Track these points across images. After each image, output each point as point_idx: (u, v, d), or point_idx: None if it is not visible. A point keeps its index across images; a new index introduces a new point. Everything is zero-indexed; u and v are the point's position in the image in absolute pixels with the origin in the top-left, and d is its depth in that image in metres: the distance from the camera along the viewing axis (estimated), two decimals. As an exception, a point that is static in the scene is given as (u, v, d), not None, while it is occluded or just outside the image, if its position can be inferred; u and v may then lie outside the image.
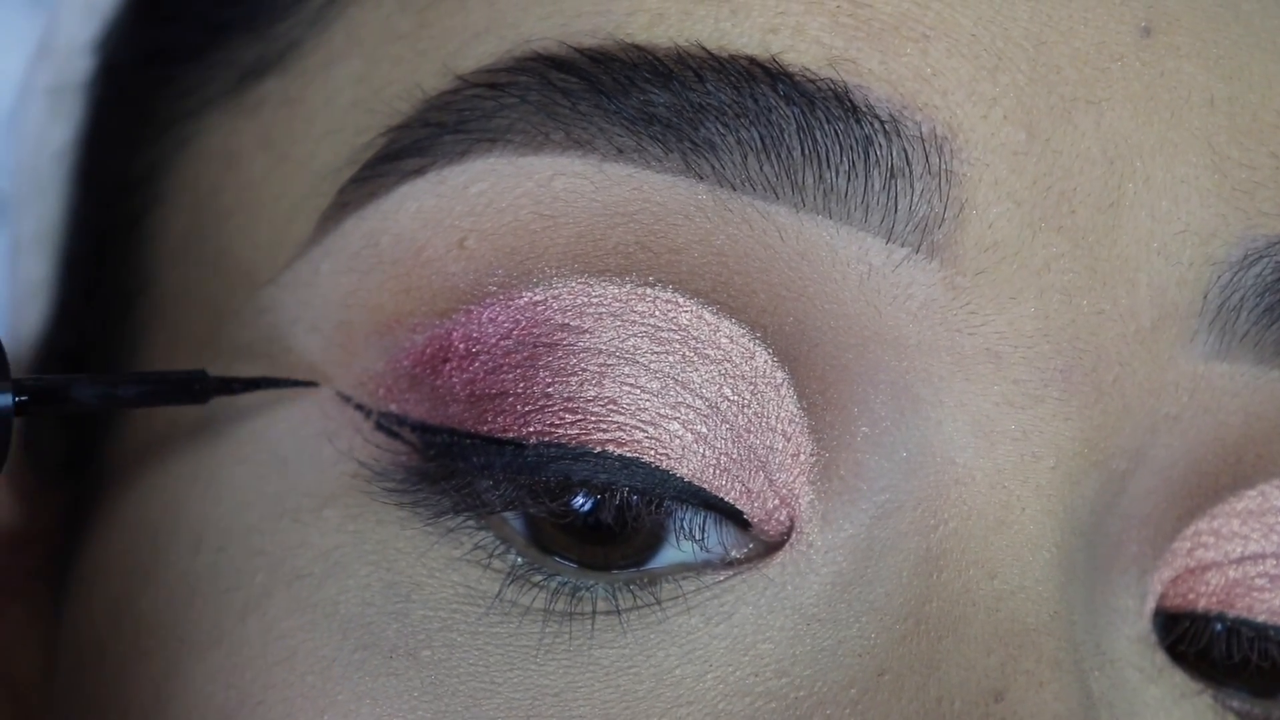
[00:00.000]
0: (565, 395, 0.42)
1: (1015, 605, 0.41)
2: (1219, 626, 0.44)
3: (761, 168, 0.41)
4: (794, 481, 0.42)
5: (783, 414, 0.42)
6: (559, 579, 0.42)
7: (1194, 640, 0.44)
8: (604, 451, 0.42)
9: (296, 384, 0.44)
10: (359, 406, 0.43)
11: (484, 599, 0.42)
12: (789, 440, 0.42)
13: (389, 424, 0.43)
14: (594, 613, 0.42)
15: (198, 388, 0.43)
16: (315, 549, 0.43)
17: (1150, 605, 0.44)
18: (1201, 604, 0.44)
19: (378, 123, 0.44)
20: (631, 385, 0.42)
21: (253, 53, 0.47)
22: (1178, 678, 0.44)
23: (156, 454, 0.47)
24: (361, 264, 0.43)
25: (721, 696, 0.41)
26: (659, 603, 0.42)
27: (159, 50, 0.50)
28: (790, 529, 0.42)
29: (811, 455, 0.42)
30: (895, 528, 0.42)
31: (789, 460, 0.42)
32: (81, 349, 0.52)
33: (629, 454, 0.42)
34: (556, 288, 0.42)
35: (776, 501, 0.42)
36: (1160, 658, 0.44)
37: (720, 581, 0.42)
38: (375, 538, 0.43)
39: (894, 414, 0.42)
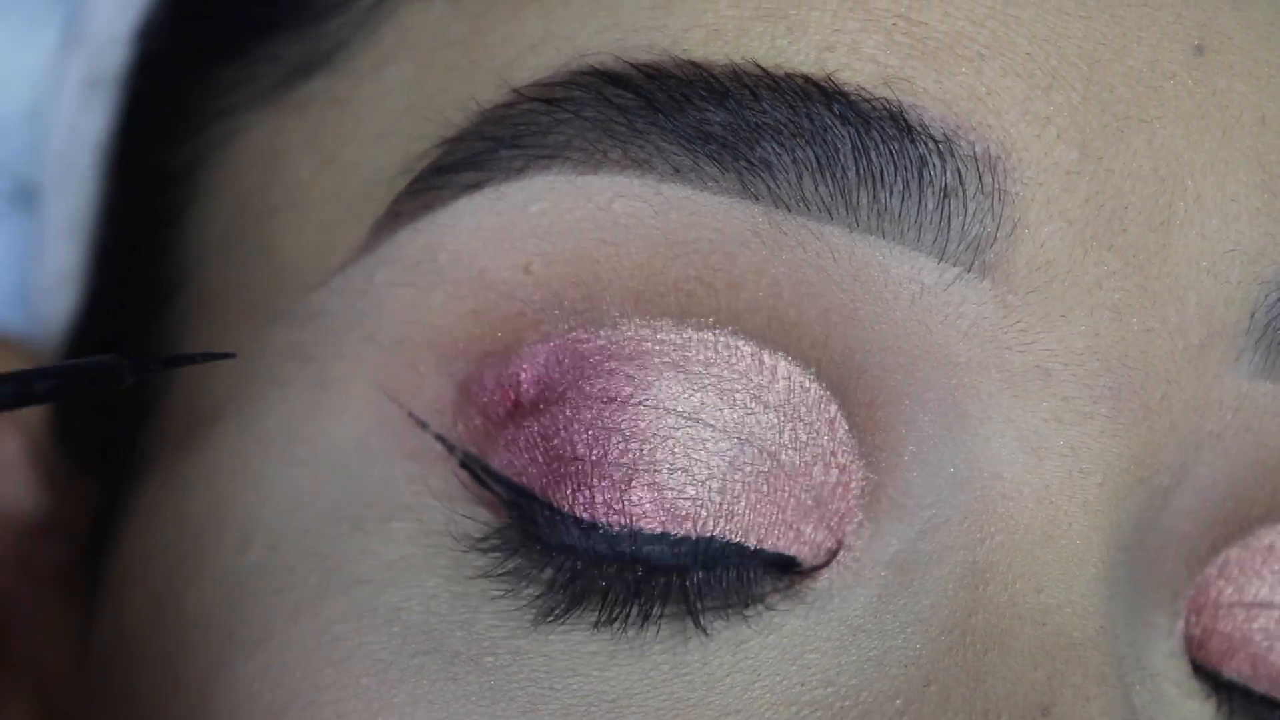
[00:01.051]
0: (639, 467, 0.42)
1: (1062, 619, 0.41)
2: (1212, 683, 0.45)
3: (816, 188, 0.42)
4: (845, 509, 0.43)
5: (837, 449, 0.43)
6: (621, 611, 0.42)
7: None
8: (682, 536, 0.42)
9: (213, 357, 0.44)
10: (440, 439, 0.44)
11: (544, 611, 0.42)
12: (842, 472, 0.43)
13: (474, 467, 0.43)
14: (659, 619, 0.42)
15: (113, 374, 0.43)
16: (379, 558, 0.43)
17: (1180, 624, 0.45)
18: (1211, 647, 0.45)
19: (431, 132, 0.44)
20: (701, 448, 0.43)
21: (299, 51, 0.47)
22: (1204, 690, 0.45)
23: (198, 447, 0.47)
24: (420, 278, 0.44)
25: (768, 705, 0.41)
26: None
27: (201, 46, 0.50)
28: (836, 549, 0.43)
29: (862, 480, 0.43)
30: (941, 541, 0.42)
31: (841, 490, 0.43)
32: (114, 340, 0.52)
33: (701, 534, 0.42)
34: (621, 331, 0.43)
35: (825, 533, 0.43)
36: (1192, 676, 0.44)
37: (768, 593, 0.42)
38: (452, 553, 0.43)
39: (941, 431, 0.42)
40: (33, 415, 0.56)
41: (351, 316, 0.44)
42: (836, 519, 0.43)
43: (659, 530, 0.42)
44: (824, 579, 0.42)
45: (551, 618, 0.42)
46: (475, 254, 0.43)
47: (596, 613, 0.42)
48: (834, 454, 0.43)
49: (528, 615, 0.42)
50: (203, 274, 0.49)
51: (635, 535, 0.42)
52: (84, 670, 0.51)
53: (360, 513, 0.43)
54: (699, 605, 0.42)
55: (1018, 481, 0.42)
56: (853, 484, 0.43)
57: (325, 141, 0.46)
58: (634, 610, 0.42)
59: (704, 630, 0.42)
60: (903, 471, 0.43)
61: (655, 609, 0.42)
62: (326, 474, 0.44)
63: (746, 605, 0.42)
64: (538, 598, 0.42)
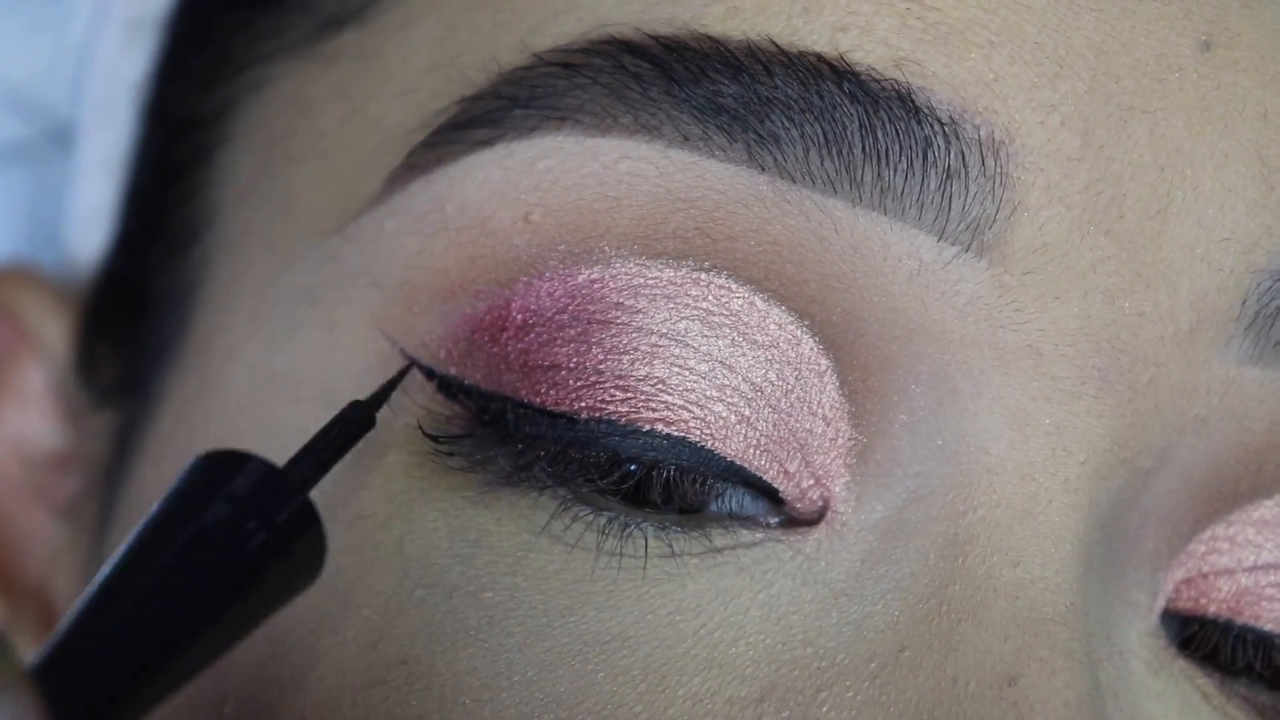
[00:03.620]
0: (617, 373, 0.43)
1: (1034, 594, 0.42)
2: (1227, 632, 0.45)
3: (822, 162, 0.42)
4: (830, 464, 0.43)
5: (824, 399, 0.43)
6: (608, 514, 0.43)
7: (1202, 644, 0.46)
8: (652, 429, 0.43)
9: (394, 384, 0.44)
10: (423, 368, 0.44)
11: (536, 529, 0.43)
12: (829, 425, 0.43)
13: (451, 386, 0.44)
14: (646, 553, 0.43)
15: (363, 417, 0.43)
16: (379, 491, 0.44)
17: (1161, 603, 0.45)
18: (1211, 609, 0.45)
19: (453, 90, 0.45)
20: (681, 366, 0.43)
21: (333, 3, 0.48)
22: (1180, 667, 0.45)
23: (212, 384, 0.48)
24: (426, 227, 0.45)
25: (750, 662, 0.42)
26: (713, 549, 0.43)
27: None
28: (824, 509, 0.43)
29: (849, 440, 0.44)
30: (925, 511, 0.43)
31: (827, 444, 0.43)
32: (141, 277, 0.54)
33: (676, 433, 0.43)
34: (615, 267, 0.43)
35: (811, 482, 0.43)
36: (1166, 652, 0.45)
37: (760, 542, 0.43)
38: (443, 485, 0.44)
39: (932, 404, 0.43)
40: (56, 349, 0.57)
41: (360, 262, 0.45)
42: (822, 470, 0.43)
43: (629, 422, 0.43)
44: (813, 540, 0.43)
45: (546, 534, 0.43)
46: (480, 206, 0.44)
47: (584, 531, 0.43)
48: (821, 405, 0.43)
49: (523, 535, 0.43)
50: (228, 216, 0.50)
51: (607, 425, 0.43)
52: None
53: (359, 448, 0.44)
54: (679, 519, 0.43)
55: (1002, 457, 0.43)
56: (840, 440, 0.43)
57: (351, 94, 0.47)
58: (617, 522, 0.43)
59: (701, 550, 0.43)
60: (892, 439, 0.43)
61: (640, 523, 0.43)
62: (327, 412, 0.45)
63: (733, 527, 0.43)
64: (526, 509, 0.43)
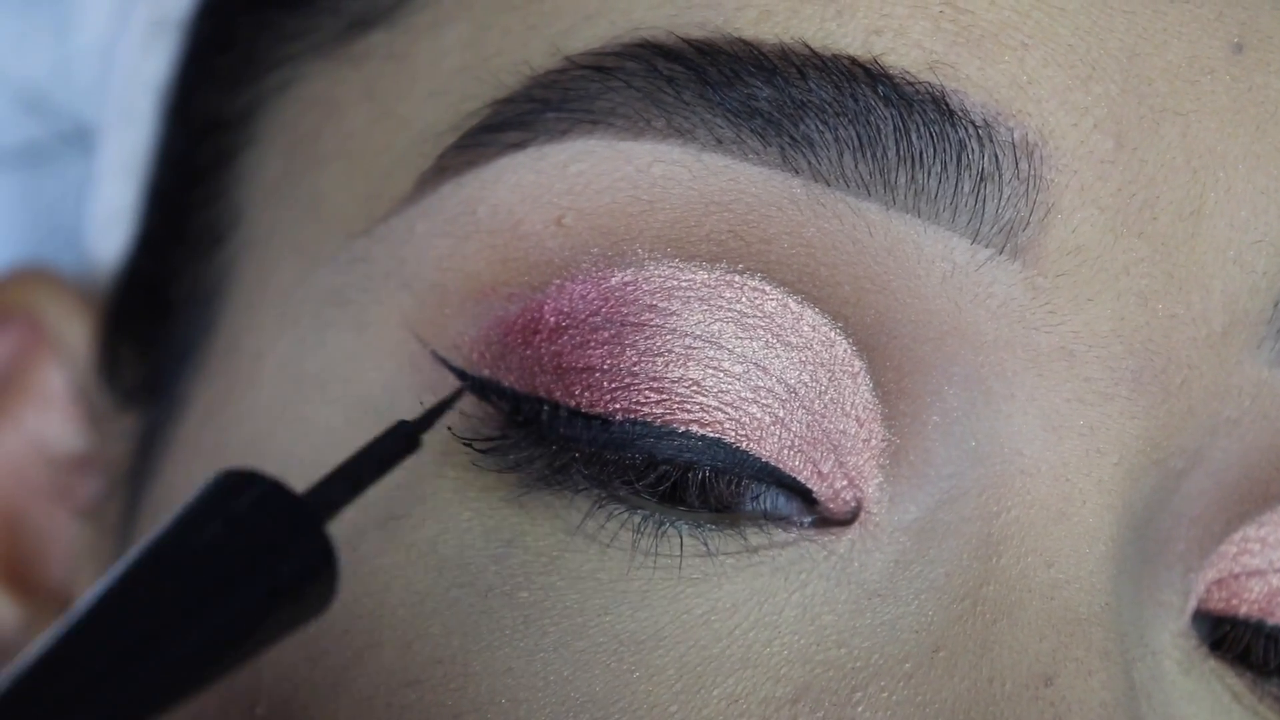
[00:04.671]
0: (651, 375, 0.43)
1: (1069, 594, 0.42)
2: (1259, 633, 0.46)
3: (856, 166, 0.42)
4: (864, 465, 0.43)
5: (858, 400, 0.43)
6: (642, 512, 0.43)
7: (1234, 645, 0.46)
8: (688, 431, 0.43)
9: (447, 404, 0.44)
10: (456, 370, 0.44)
11: (571, 528, 0.43)
12: (862, 425, 0.43)
13: (484, 389, 0.44)
14: (682, 552, 0.43)
15: (408, 439, 0.42)
16: (412, 493, 0.44)
17: (1192, 604, 0.45)
18: (1243, 610, 0.46)
19: (484, 93, 0.45)
20: (715, 368, 0.43)
21: (361, 4, 0.48)
22: (1211, 667, 0.45)
23: (239, 386, 0.48)
24: (458, 229, 0.45)
25: (784, 662, 0.42)
26: (749, 549, 0.43)
27: None
28: (857, 509, 0.44)
29: (883, 441, 0.44)
30: (959, 512, 0.43)
31: (860, 444, 0.43)
32: (165, 278, 0.54)
33: (711, 434, 0.43)
34: (648, 270, 0.43)
35: (845, 483, 0.43)
36: (1198, 652, 0.45)
37: (794, 541, 0.43)
38: (477, 485, 0.44)
39: (965, 405, 0.43)
40: (78, 350, 0.57)
41: (391, 264, 0.45)
42: (855, 471, 0.43)
43: (664, 424, 0.43)
44: (846, 541, 0.43)
45: (581, 533, 0.43)
46: (512, 208, 0.44)
47: (619, 529, 0.43)
48: (854, 406, 0.43)
49: (558, 535, 0.43)
50: (254, 217, 0.50)
51: (642, 427, 0.43)
52: None
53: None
54: (714, 518, 0.43)
55: (1036, 458, 0.43)
56: (873, 441, 0.44)
57: (380, 95, 0.47)
58: (651, 520, 0.43)
59: (737, 549, 0.43)
60: (925, 440, 0.43)
61: (674, 521, 0.43)
62: (358, 414, 0.45)
63: (767, 526, 0.43)
64: (561, 509, 0.43)
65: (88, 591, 0.36)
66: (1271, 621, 0.46)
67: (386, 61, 0.47)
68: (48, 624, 0.56)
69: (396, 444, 0.42)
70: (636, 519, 0.43)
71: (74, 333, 0.57)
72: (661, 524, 0.43)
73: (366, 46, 0.48)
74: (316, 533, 0.38)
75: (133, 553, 0.37)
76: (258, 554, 0.37)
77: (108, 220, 0.59)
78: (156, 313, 0.54)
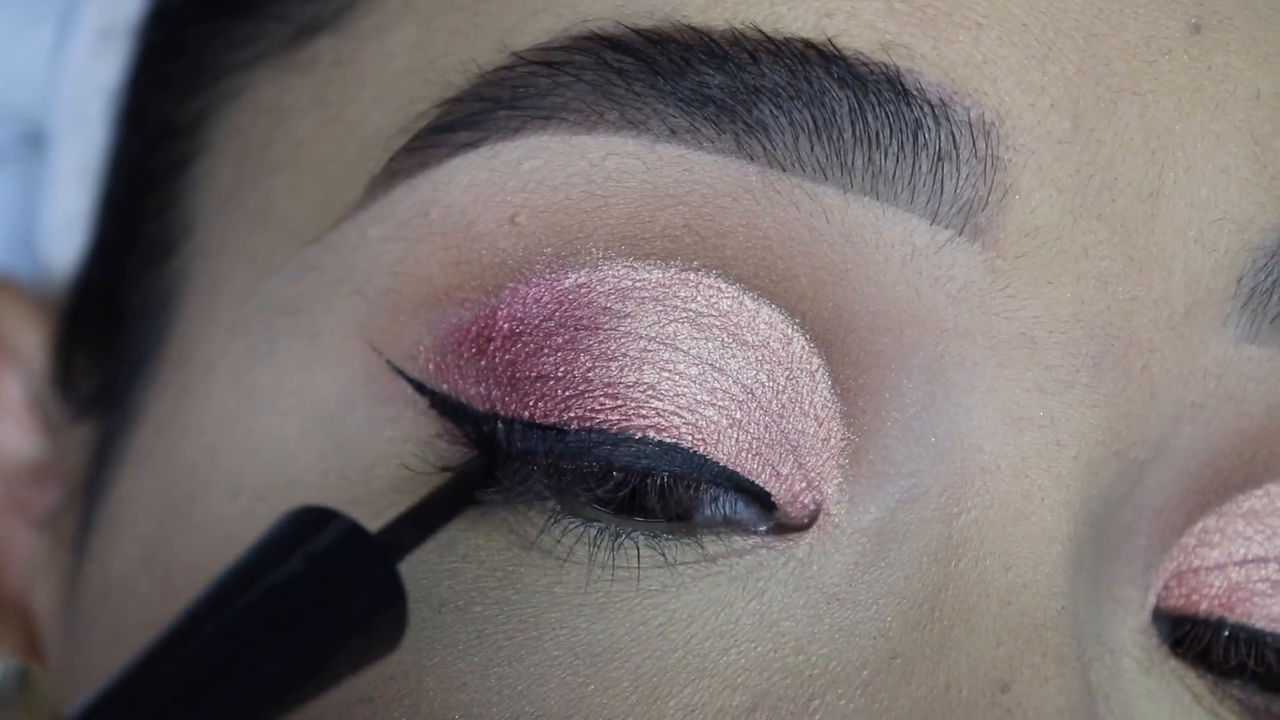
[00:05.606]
0: (606, 380, 0.43)
1: (1026, 599, 0.42)
2: (1219, 631, 0.45)
3: (813, 149, 0.42)
4: (823, 465, 0.43)
5: (816, 399, 0.43)
6: (598, 525, 0.43)
7: (1194, 644, 0.45)
8: (644, 437, 0.43)
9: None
10: (413, 382, 0.44)
11: (527, 544, 0.43)
12: (821, 425, 0.43)
13: (443, 405, 0.44)
14: (639, 564, 0.43)
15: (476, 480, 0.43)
16: (366, 507, 0.43)
17: (1152, 599, 0.45)
18: (1204, 606, 0.45)
19: (432, 93, 0.44)
20: (671, 371, 0.43)
21: (308, 10, 0.48)
22: (1171, 667, 0.45)
23: (191, 397, 0.48)
24: (410, 232, 0.44)
25: (741, 670, 0.42)
26: (706, 559, 0.43)
27: (213, 1, 0.51)
28: (816, 512, 0.43)
29: (842, 440, 0.43)
30: (919, 513, 0.43)
31: (819, 445, 0.43)
32: (118, 286, 0.53)
33: (668, 439, 0.43)
34: (602, 270, 0.43)
35: (804, 484, 0.43)
36: (1158, 650, 0.45)
37: (750, 550, 0.43)
38: None
39: (925, 399, 0.43)
40: (33, 359, 0.57)
41: (342, 271, 0.45)
42: (815, 472, 0.43)
43: (620, 430, 0.43)
44: (805, 544, 0.43)
45: (537, 548, 0.43)
46: (465, 209, 0.44)
47: (575, 544, 0.43)
48: (812, 405, 0.43)
49: (511, 552, 0.43)
50: (205, 226, 0.49)
51: (598, 434, 0.43)
52: (69, 614, 0.52)
53: (345, 462, 0.44)
54: (670, 527, 0.43)
55: (996, 454, 0.43)
56: (832, 441, 0.43)
57: (328, 101, 0.47)
58: (607, 533, 0.43)
59: (695, 558, 0.43)
60: (884, 437, 0.43)
61: (630, 533, 0.43)
62: (312, 425, 0.45)
63: (723, 532, 0.43)
64: (516, 524, 0.43)
65: (172, 617, 0.37)
66: (1231, 617, 0.45)
67: (334, 67, 0.47)
68: (7, 636, 0.55)
69: (468, 486, 0.43)
70: (592, 532, 0.43)
71: (29, 341, 0.57)
72: (618, 536, 0.43)
73: (314, 53, 0.48)
74: (389, 572, 0.39)
75: (212, 582, 0.38)
76: (333, 590, 0.38)
77: (62, 226, 0.59)
78: (111, 322, 0.53)
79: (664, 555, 0.43)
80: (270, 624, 0.37)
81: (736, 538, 0.43)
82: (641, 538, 0.43)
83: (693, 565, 0.43)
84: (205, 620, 0.37)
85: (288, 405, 0.45)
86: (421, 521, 0.41)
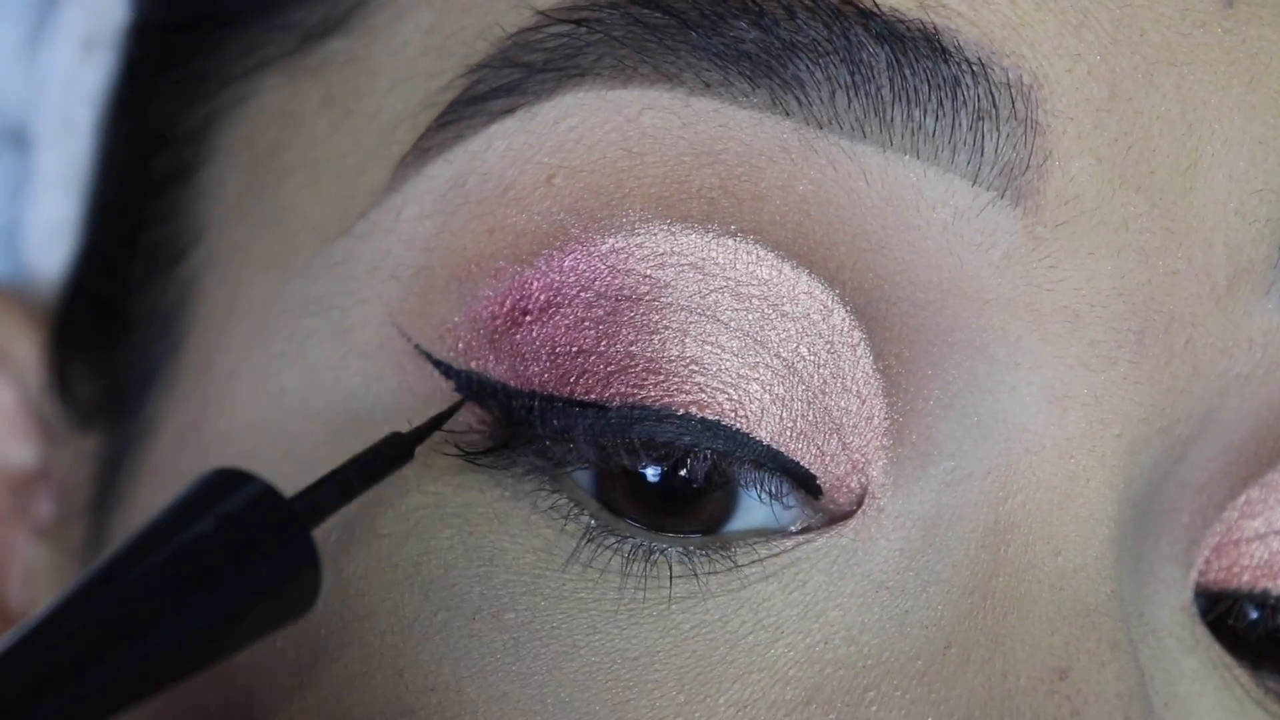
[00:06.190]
0: (648, 355, 0.43)
1: (1077, 584, 0.42)
2: (1257, 604, 0.45)
3: (850, 105, 0.42)
4: (867, 446, 0.43)
5: (858, 374, 0.43)
6: (632, 541, 0.42)
7: (1235, 617, 0.46)
8: (687, 414, 0.42)
9: (452, 411, 0.43)
10: (440, 364, 0.43)
11: (561, 561, 0.42)
12: (864, 403, 0.43)
13: (471, 386, 0.43)
14: (670, 576, 0.42)
15: (398, 449, 0.42)
16: (395, 509, 0.43)
17: (1194, 576, 0.45)
18: (1245, 578, 0.45)
19: (453, 65, 0.44)
20: (712, 344, 0.43)
21: (315, 15, 0.47)
22: (1215, 650, 0.45)
23: (213, 406, 0.47)
24: (446, 205, 0.44)
25: (791, 664, 0.42)
26: (736, 567, 0.42)
27: (209, 13, 0.50)
28: (861, 496, 0.43)
29: (885, 419, 0.43)
30: (965, 497, 0.43)
31: (863, 423, 0.43)
32: (117, 294, 0.52)
33: (711, 416, 0.43)
34: (640, 234, 0.43)
35: (849, 466, 0.43)
36: (1199, 629, 0.45)
37: (789, 549, 0.43)
38: (456, 501, 0.43)
39: (968, 376, 0.43)
40: (26, 366, 0.56)
41: (375, 258, 0.45)
42: (859, 453, 0.43)
43: (663, 406, 0.42)
44: (850, 531, 0.43)
45: (570, 556, 0.42)
46: (502, 174, 0.43)
47: (611, 557, 0.42)
48: (855, 380, 0.43)
49: (537, 555, 0.42)
50: (216, 234, 0.49)
51: (640, 410, 0.42)
52: None
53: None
54: (704, 542, 0.43)
55: (1041, 435, 0.42)
56: (875, 420, 0.43)
57: (340, 98, 0.46)
58: (642, 560, 0.42)
59: (736, 571, 0.42)
60: (927, 416, 0.43)
61: (664, 549, 0.42)
62: (343, 424, 0.44)
63: (759, 544, 0.43)
64: (547, 531, 0.43)
65: (74, 578, 0.37)
66: (1275, 589, 0.45)
67: (345, 66, 0.47)
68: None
69: (389, 454, 0.42)
70: (626, 548, 0.42)
71: (22, 348, 0.56)
72: (651, 552, 0.42)
73: (324, 56, 0.47)
74: (302, 536, 0.38)
75: (119, 543, 0.37)
76: (243, 552, 0.38)
77: (49, 232, 0.58)
78: (110, 330, 0.53)
79: (694, 569, 0.42)
80: (175, 585, 0.37)
81: (773, 543, 0.43)
82: (675, 553, 0.42)
83: (723, 574, 0.43)
84: (110, 580, 0.36)
85: (317, 408, 0.45)
86: (341, 486, 0.41)
